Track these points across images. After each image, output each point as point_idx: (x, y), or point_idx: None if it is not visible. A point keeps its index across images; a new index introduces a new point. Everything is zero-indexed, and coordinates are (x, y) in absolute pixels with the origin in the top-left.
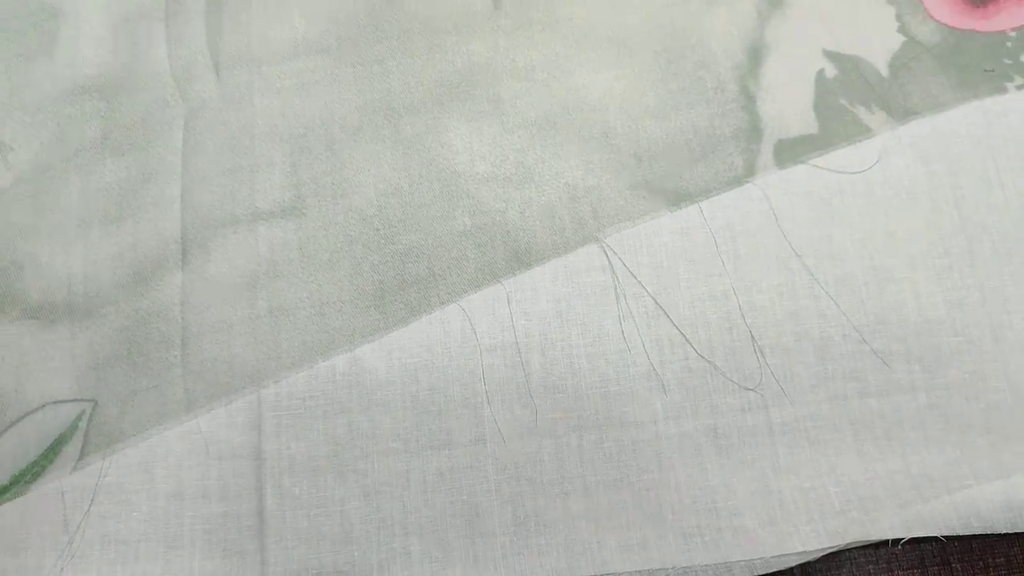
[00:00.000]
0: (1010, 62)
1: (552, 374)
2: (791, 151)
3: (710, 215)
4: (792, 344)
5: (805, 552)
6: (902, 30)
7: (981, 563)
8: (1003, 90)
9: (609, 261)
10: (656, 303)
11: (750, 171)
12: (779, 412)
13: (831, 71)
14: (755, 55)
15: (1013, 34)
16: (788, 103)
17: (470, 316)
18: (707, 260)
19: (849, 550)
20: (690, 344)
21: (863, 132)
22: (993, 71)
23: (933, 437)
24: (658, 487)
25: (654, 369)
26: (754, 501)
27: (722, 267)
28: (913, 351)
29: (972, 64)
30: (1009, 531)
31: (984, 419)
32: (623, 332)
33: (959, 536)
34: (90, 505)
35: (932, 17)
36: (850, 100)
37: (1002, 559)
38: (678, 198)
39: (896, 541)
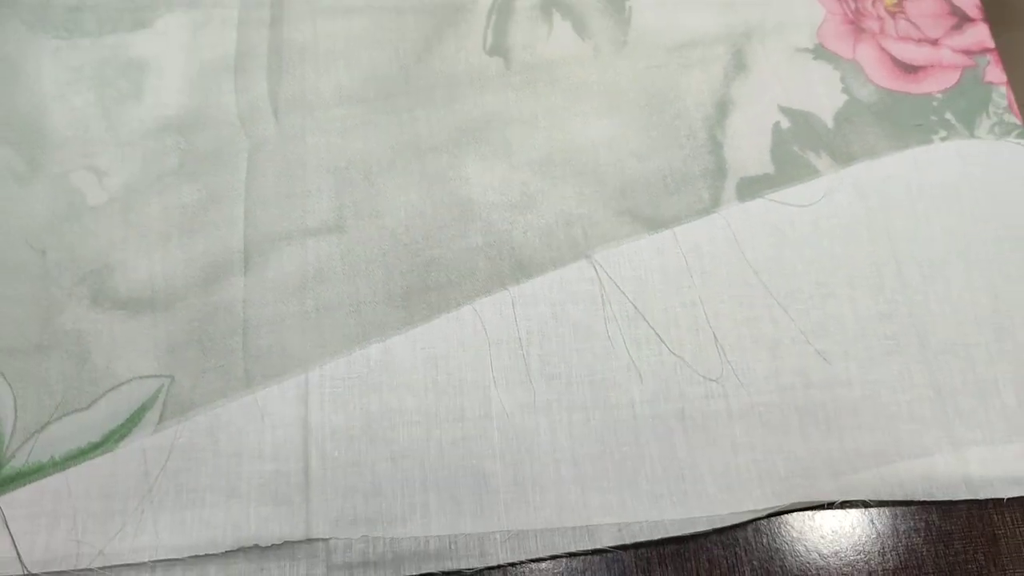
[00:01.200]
0: (936, 118)
1: (548, 364)
2: (750, 188)
3: (682, 238)
4: (749, 344)
5: (755, 511)
6: (845, 91)
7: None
8: (929, 141)
9: (597, 274)
10: (635, 308)
11: (716, 203)
12: (737, 400)
13: (785, 123)
14: (722, 109)
15: (939, 95)
16: (749, 148)
17: (481, 316)
18: (679, 275)
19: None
20: (663, 342)
21: (812, 173)
22: (921, 125)
23: (866, 423)
24: (635, 459)
25: (633, 362)
26: (715, 471)
27: (691, 281)
28: (850, 352)
29: (904, 120)
30: (926, 500)
31: (909, 410)
32: (607, 332)
33: (883, 502)
34: (166, 461)
35: (871, 80)
36: (801, 147)
37: (923, 524)
38: (655, 224)
39: (831, 504)
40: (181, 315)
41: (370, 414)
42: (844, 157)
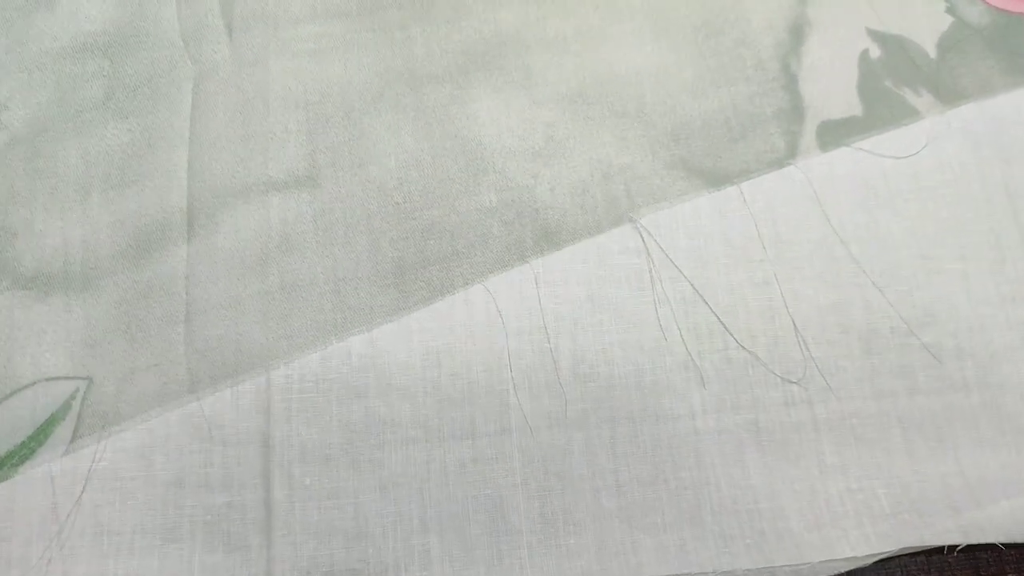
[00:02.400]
0: None
1: (583, 362)
2: (834, 133)
3: (750, 197)
4: (837, 336)
5: (855, 558)
6: (951, 11)
7: None
8: None
9: (644, 243)
10: (694, 288)
11: (792, 153)
12: (824, 408)
13: (876, 51)
14: (797, 32)
15: None
16: (831, 84)
17: (495, 297)
18: (747, 244)
19: (899, 557)
20: (730, 333)
21: (910, 115)
22: None
23: (987, 438)
24: (696, 486)
25: (692, 359)
26: (799, 502)
27: (763, 252)
28: (965, 347)
29: (1023, 49)
30: None
31: None
32: (659, 319)
33: (1017, 544)
34: (82, 492)
35: None
36: (896, 82)
37: None
38: (717, 179)
39: (951, 548)
40: (104, 296)
41: (352, 427)
42: (950, 95)
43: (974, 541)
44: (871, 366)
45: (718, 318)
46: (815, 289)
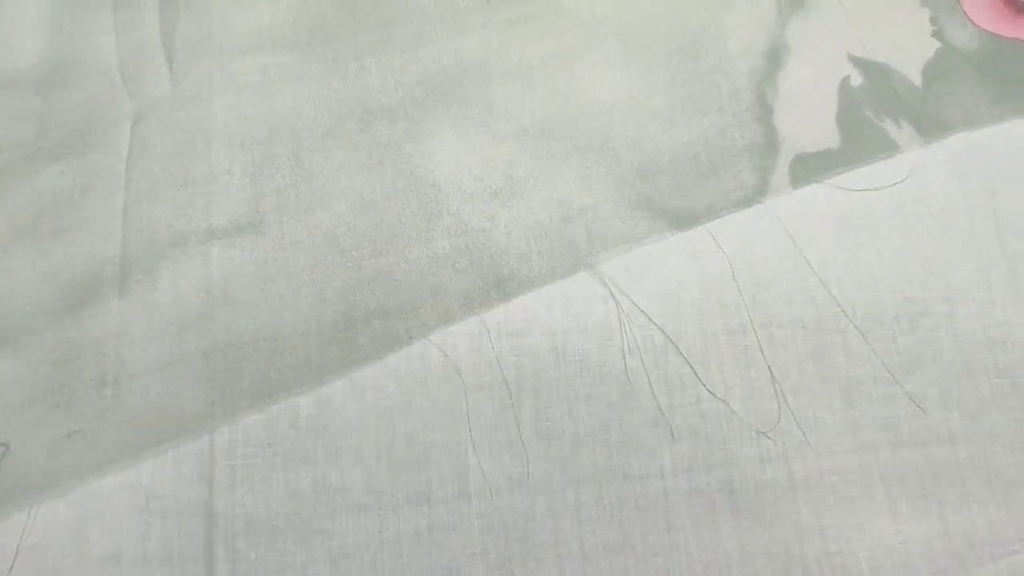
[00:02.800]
0: None
1: (546, 418)
2: (808, 168)
3: (724, 237)
4: (816, 385)
5: None
6: (937, 35)
7: None
8: None
9: (609, 290)
10: (664, 336)
11: (762, 190)
12: (802, 464)
13: (857, 79)
14: (774, 58)
15: None
16: (808, 114)
17: (452, 351)
18: (721, 288)
19: None
20: (702, 383)
21: (889, 149)
22: None
23: (974, 494)
24: (666, 551)
25: (662, 412)
26: (774, 567)
27: (738, 296)
28: (951, 395)
29: (1014, 77)
30: None
31: None
32: (627, 370)
33: None
34: (9, 571)
35: (972, 22)
36: (877, 112)
37: None
38: (682, 220)
39: None
40: (26, 355)
41: (300, 496)
42: (934, 127)
43: None
44: (852, 418)
45: (691, 367)
46: (793, 335)
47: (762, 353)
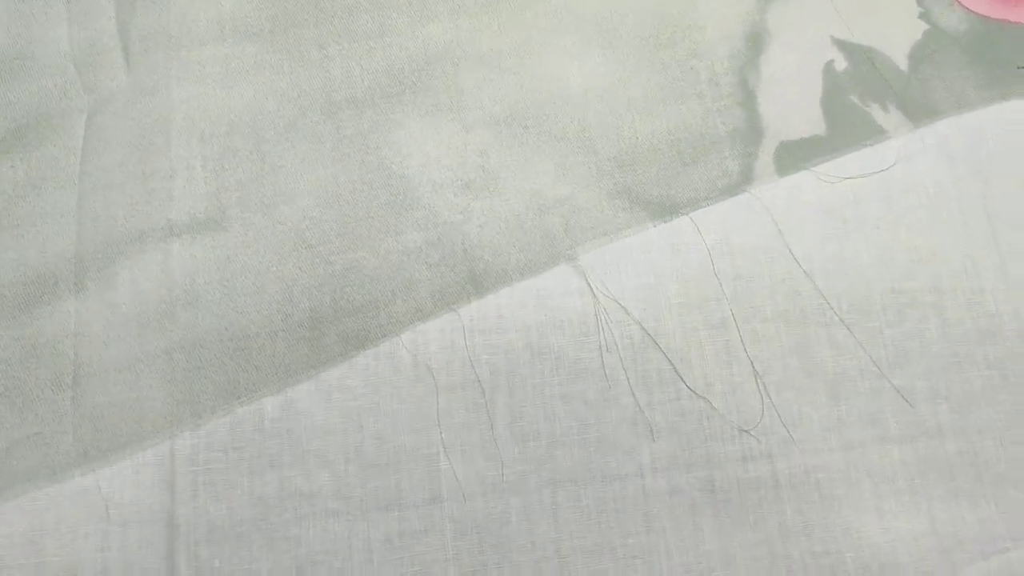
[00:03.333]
0: None
1: (521, 418)
2: (794, 156)
3: (705, 228)
4: (801, 381)
5: None
6: (925, 16)
7: None
8: None
9: (588, 283)
10: (643, 331)
11: (747, 178)
12: (786, 462)
13: (842, 63)
14: (756, 42)
15: None
16: (792, 99)
17: (423, 350)
18: (702, 281)
19: None
20: (682, 380)
21: (876, 134)
22: None
23: (964, 490)
24: (645, 553)
25: (641, 410)
26: (757, 569)
27: (720, 289)
28: (939, 389)
29: (1003, 59)
30: None
31: (1022, 468)
32: (604, 367)
33: None
34: None
35: (960, 3)
36: (862, 97)
37: None
38: (664, 209)
39: None
40: None
41: (265, 501)
42: (921, 111)
43: None
44: (838, 414)
45: (671, 363)
46: (777, 329)
47: (744, 348)
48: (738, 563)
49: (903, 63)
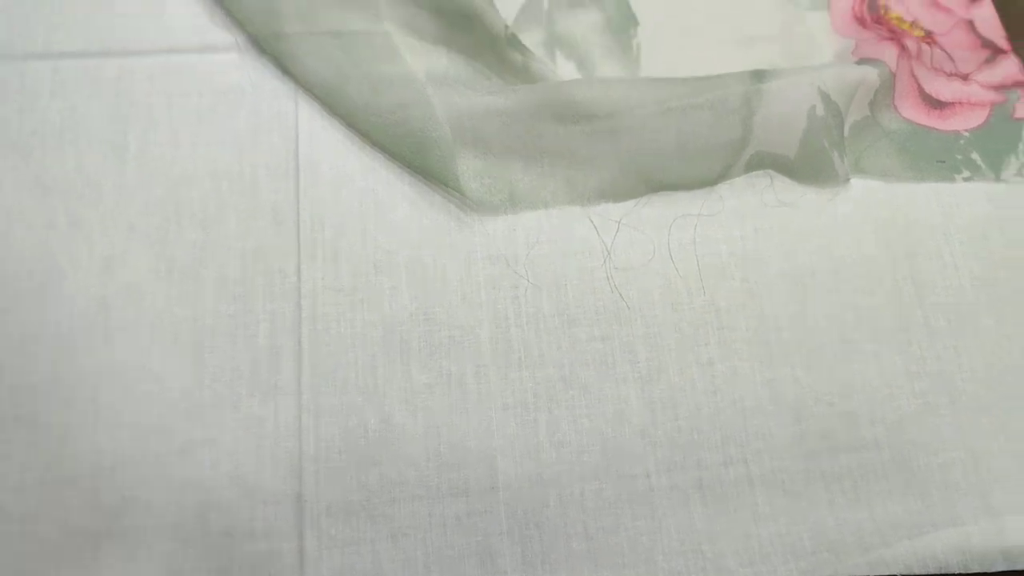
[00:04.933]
0: (961, 157)
1: (557, 431)
2: (761, 163)
3: (701, 294)
4: (770, 407)
5: None
6: (872, 104)
7: None
8: (951, 180)
9: (614, 330)
10: (649, 369)
11: (722, 176)
12: (759, 466)
13: (820, 110)
14: (760, 76)
15: (967, 134)
16: (782, 125)
17: (487, 381)
18: (695, 333)
19: None
20: (679, 406)
21: (832, 177)
22: (944, 163)
23: (896, 490)
24: (650, 532)
25: (647, 427)
26: (736, 545)
27: (708, 338)
28: (877, 414)
29: (926, 154)
30: (961, 571)
31: (942, 475)
32: (619, 394)
33: None
34: None
35: (897, 110)
36: (830, 143)
37: None
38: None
39: None
40: None
41: (369, 488)
42: (853, 168)
43: (880, 574)
44: (799, 431)
45: (671, 394)
46: (751, 368)
47: (726, 383)
48: (720, 541)
49: (846, 130)
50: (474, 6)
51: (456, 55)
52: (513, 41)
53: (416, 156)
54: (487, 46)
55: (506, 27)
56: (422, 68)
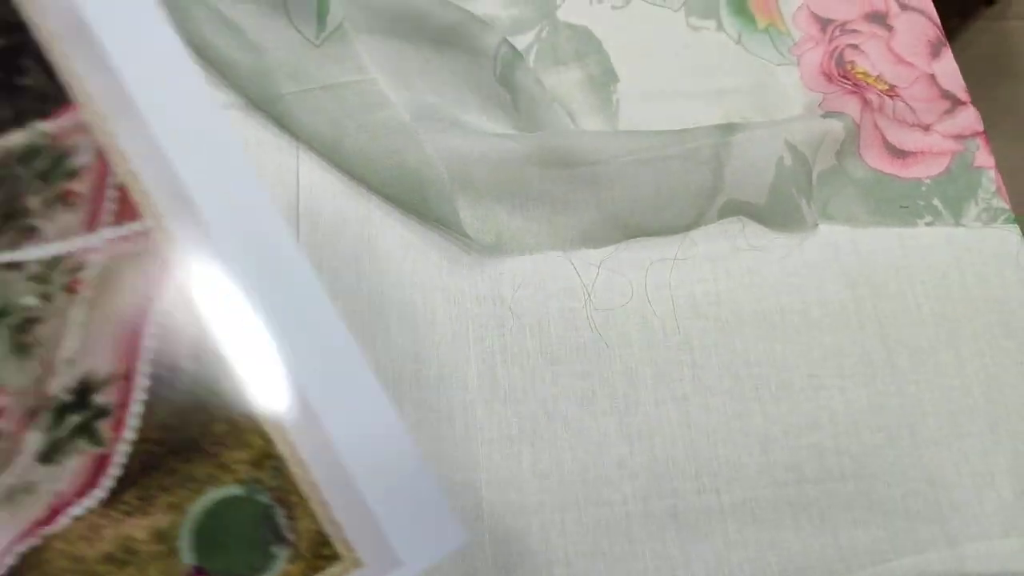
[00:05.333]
0: (923, 203)
1: (540, 462)
2: (733, 210)
3: (682, 342)
4: (740, 439)
5: None
6: (839, 154)
7: None
8: (914, 224)
9: (594, 367)
10: (626, 404)
11: (697, 222)
12: (729, 496)
13: (788, 160)
14: (729, 129)
15: (928, 181)
16: (751, 174)
17: (474, 415)
18: (671, 371)
19: None
20: (655, 437)
21: (800, 223)
22: (907, 208)
23: (860, 519)
24: (627, 558)
25: (625, 458)
26: (707, 570)
27: (682, 374)
28: (842, 446)
29: (889, 200)
30: None
31: (903, 504)
32: (599, 428)
33: None
34: None
35: (862, 159)
36: (797, 191)
37: None
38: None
39: None
40: None
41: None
42: (820, 215)
43: None
44: (767, 461)
45: (647, 426)
46: (723, 403)
47: (699, 416)
48: (693, 566)
49: (814, 177)
50: (460, 30)
51: (444, 89)
52: (504, 74)
53: (415, 198)
54: (475, 75)
55: (496, 55)
56: (410, 110)
